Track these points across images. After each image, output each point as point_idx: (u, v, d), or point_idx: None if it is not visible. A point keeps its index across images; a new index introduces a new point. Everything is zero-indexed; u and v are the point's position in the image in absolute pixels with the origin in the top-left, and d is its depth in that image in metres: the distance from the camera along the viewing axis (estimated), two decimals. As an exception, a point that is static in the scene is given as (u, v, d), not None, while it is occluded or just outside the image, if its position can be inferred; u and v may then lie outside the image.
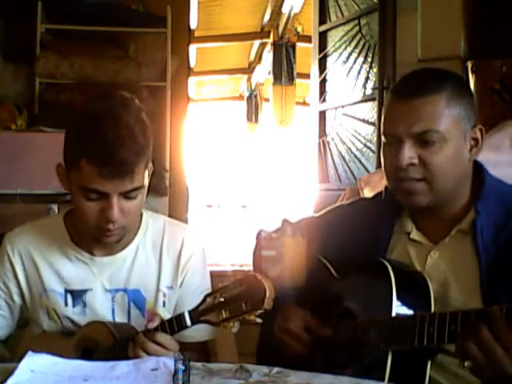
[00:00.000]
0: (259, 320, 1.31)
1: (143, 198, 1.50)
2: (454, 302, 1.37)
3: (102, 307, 1.58)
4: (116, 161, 1.39)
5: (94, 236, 1.51)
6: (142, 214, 1.62)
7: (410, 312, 1.31)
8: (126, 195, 1.44)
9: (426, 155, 1.39)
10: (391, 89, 1.50)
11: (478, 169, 1.48)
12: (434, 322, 1.20)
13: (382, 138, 1.46)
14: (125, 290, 1.58)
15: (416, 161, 1.39)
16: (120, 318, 1.58)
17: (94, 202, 1.44)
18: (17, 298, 1.62)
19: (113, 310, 1.58)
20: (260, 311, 1.23)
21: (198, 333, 1.53)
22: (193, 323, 1.33)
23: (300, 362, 1.38)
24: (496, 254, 1.36)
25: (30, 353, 1.30)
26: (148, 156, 1.47)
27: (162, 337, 1.34)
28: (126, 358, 1.33)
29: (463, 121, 1.41)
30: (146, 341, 1.34)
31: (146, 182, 1.50)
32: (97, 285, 1.58)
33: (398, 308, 1.31)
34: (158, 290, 1.59)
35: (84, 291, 1.58)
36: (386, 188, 1.57)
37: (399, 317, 1.30)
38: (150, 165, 1.53)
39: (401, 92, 1.43)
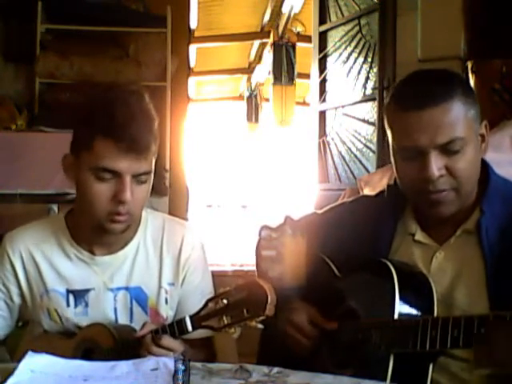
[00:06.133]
0: (261, 326, 1.29)
1: (150, 185, 1.50)
2: (460, 303, 1.36)
3: (105, 306, 1.57)
4: (131, 136, 1.40)
5: (101, 225, 1.48)
6: None
7: (413, 313, 1.30)
8: (138, 178, 1.44)
9: (451, 164, 1.35)
10: (394, 100, 1.41)
11: (484, 167, 1.45)
12: (436, 326, 1.19)
13: (397, 154, 1.40)
14: (127, 288, 1.58)
15: (444, 171, 1.35)
16: (122, 317, 1.57)
17: (106, 184, 1.43)
18: (16, 299, 1.61)
19: (115, 309, 1.58)
20: (262, 318, 1.22)
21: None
22: (194, 328, 1.32)
23: (303, 358, 1.38)
24: (501, 253, 1.35)
25: (30, 353, 1.29)
26: (157, 142, 1.48)
27: (167, 340, 1.35)
28: (126, 359, 1.32)
29: (475, 120, 1.38)
30: (152, 344, 1.35)
31: (153, 168, 1.50)
32: (99, 284, 1.58)
33: (401, 309, 1.29)
34: (159, 287, 1.59)
35: (86, 291, 1.58)
36: (388, 187, 1.55)
37: (401, 319, 1.28)
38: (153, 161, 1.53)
39: (411, 103, 1.34)
